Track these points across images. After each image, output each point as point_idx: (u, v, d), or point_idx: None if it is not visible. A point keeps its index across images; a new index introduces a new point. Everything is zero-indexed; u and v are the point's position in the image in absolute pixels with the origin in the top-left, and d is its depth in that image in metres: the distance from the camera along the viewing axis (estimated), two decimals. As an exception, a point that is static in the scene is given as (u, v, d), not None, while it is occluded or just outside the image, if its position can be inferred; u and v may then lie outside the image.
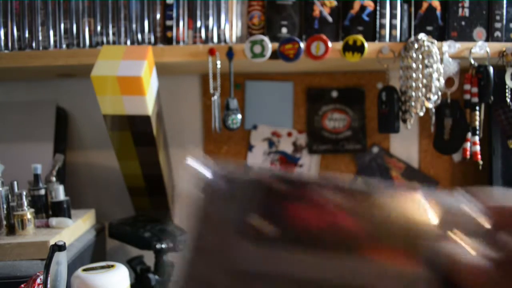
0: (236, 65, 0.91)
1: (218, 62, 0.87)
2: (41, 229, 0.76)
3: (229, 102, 0.90)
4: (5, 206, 0.73)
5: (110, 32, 0.90)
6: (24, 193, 0.73)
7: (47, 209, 0.81)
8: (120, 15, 0.90)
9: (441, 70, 0.87)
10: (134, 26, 0.90)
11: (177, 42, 0.91)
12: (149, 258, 0.88)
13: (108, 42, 0.90)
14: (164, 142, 0.97)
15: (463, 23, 0.92)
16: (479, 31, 0.92)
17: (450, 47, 0.88)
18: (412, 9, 0.92)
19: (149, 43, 0.91)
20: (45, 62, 0.86)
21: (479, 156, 0.91)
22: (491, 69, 0.88)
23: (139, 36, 0.91)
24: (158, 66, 0.88)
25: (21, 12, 0.89)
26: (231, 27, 0.92)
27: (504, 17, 0.92)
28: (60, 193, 0.82)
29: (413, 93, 0.87)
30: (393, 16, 0.91)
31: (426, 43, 0.86)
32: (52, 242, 0.64)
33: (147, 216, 0.96)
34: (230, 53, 0.87)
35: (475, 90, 0.90)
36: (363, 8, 0.91)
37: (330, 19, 0.92)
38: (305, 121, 1.10)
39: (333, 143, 1.10)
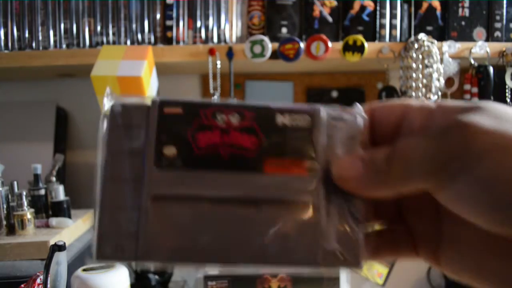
0: (236, 65, 0.91)
1: (218, 62, 0.87)
2: (41, 229, 0.76)
3: (229, 102, 0.90)
4: (5, 206, 0.73)
5: (110, 32, 0.90)
6: (24, 193, 0.73)
7: (47, 209, 0.81)
8: (120, 15, 0.90)
9: (441, 70, 0.87)
10: (134, 26, 0.90)
11: (177, 42, 0.91)
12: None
13: (108, 42, 0.90)
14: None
15: (463, 23, 0.92)
16: (479, 31, 0.92)
17: (450, 47, 0.88)
18: (412, 9, 0.92)
19: (149, 43, 0.91)
20: (45, 62, 0.86)
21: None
22: (491, 69, 0.88)
23: (139, 36, 0.91)
24: (158, 66, 0.88)
25: (21, 12, 0.89)
26: (231, 27, 0.92)
27: (504, 17, 0.92)
28: (60, 193, 0.82)
29: (413, 93, 0.87)
30: (393, 16, 0.91)
31: (426, 43, 0.86)
32: (52, 242, 0.64)
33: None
34: (230, 53, 0.87)
35: (475, 90, 0.90)
36: (363, 8, 0.91)
37: (330, 19, 0.92)
38: (305, 121, 1.10)
39: (333, 143, 1.10)
